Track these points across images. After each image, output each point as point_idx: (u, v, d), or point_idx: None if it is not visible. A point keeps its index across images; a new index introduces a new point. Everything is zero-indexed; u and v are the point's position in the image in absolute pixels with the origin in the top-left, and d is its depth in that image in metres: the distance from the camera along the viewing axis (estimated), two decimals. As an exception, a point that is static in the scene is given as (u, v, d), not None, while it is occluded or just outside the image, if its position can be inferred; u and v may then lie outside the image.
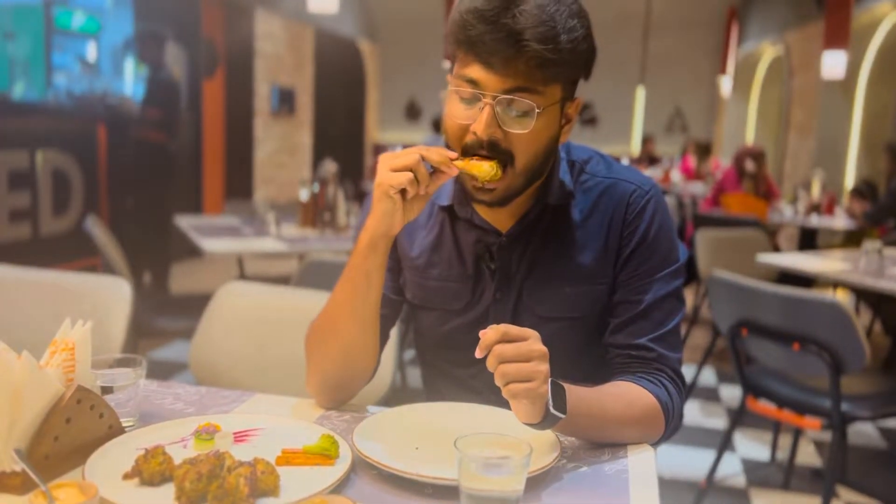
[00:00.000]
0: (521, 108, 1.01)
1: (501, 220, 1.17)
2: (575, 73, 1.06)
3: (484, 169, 1.02)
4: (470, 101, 1.03)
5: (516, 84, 1.00)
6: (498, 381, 0.90)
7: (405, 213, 1.04)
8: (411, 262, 1.23)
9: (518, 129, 1.02)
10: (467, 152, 1.04)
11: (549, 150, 1.09)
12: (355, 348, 1.12)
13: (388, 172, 1.01)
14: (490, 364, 0.90)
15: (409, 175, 1.00)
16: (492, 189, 1.07)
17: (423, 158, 1.01)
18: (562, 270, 1.16)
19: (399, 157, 1.01)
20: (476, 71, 1.01)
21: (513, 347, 0.90)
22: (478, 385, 1.23)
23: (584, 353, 1.21)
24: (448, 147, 1.08)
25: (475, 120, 1.02)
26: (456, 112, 1.05)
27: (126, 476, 0.87)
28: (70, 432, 0.91)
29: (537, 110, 1.01)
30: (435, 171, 1.03)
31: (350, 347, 1.12)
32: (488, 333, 0.90)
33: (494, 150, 1.03)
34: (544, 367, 0.91)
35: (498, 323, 0.92)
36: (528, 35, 0.97)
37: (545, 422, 0.93)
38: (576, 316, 1.17)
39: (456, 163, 1.02)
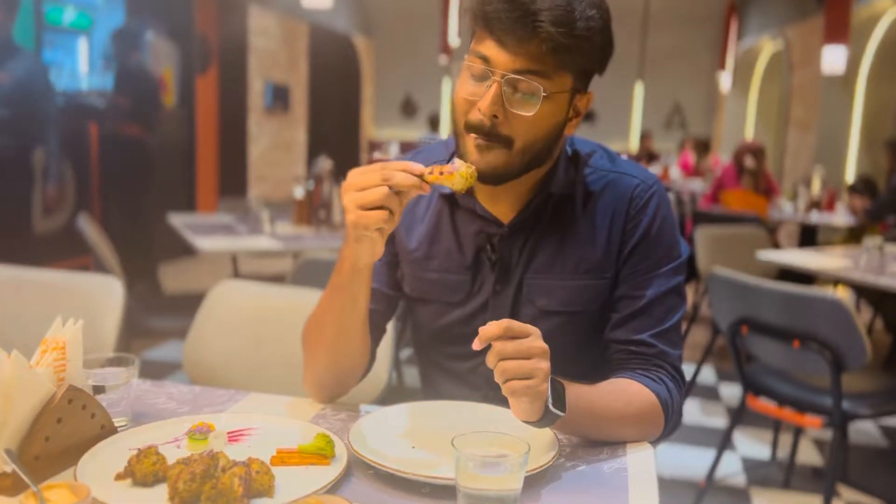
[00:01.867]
0: (529, 90, 1.00)
1: (504, 210, 1.16)
2: (588, 63, 1.05)
3: (457, 180, 0.97)
4: (480, 78, 1.02)
5: (527, 66, 0.99)
6: (497, 378, 0.89)
7: (385, 237, 0.98)
8: (410, 255, 1.22)
9: (522, 110, 1.01)
10: (470, 130, 1.03)
11: (550, 137, 1.07)
12: (342, 354, 1.12)
13: (359, 212, 0.92)
14: (490, 361, 0.89)
15: (384, 213, 0.92)
16: (485, 164, 1.03)
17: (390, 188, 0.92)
18: (563, 263, 1.15)
19: (367, 194, 0.92)
20: (489, 48, 1.00)
21: (513, 344, 0.89)
22: (476, 380, 1.22)
23: (585, 349, 1.20)
24: (453, 144, 1.07)
25: (482, 97, 1.01)
26: (465, 87, 1.04)
27: (118, 476, 0.87)
28: (61, 432, 0.90)
29: (543, 94, 1.00)
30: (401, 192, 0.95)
31: (337, 354, 1.12)
32: (489, 327, 0.89)
33: (493, 135, 1.02)
34: (545, 364, 0.90)
35: (497, 315, 0.91)
36: (543, 17, 0.96)
37: (544, 420, 0.92)
38: (576, 310, 1.16)
39: (427, 178, 0.94)
